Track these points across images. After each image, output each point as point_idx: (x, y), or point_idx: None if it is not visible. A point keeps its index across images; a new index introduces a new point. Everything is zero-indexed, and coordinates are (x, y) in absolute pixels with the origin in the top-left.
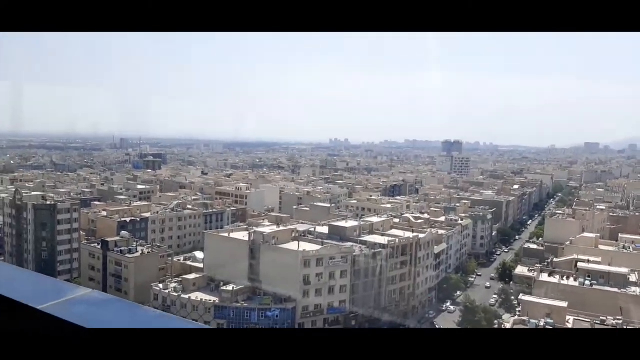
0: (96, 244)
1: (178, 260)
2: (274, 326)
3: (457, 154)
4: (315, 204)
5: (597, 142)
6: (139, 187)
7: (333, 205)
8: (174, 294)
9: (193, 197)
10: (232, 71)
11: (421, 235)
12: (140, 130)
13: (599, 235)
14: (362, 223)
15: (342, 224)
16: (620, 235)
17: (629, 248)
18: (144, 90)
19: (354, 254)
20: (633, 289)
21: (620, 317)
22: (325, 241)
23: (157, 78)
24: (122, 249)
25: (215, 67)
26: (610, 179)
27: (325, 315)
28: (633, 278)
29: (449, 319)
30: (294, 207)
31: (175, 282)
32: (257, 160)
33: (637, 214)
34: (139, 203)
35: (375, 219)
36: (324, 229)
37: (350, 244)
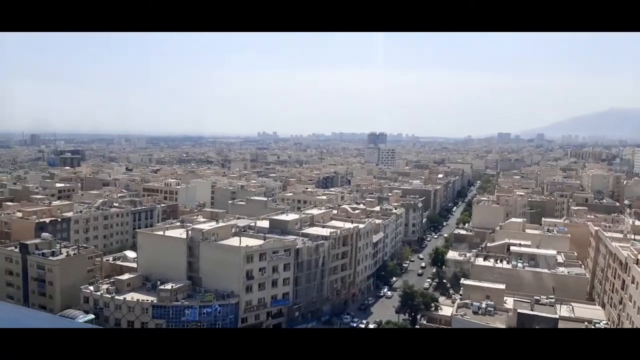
0: (13, 247)
1: (107, 260)
2: (216, 322)
3: (383, 145)
4: (251, 198)
5: (509, 132)
6: (58, 185)
7: (269, 198)
8: (107, 295)
9: (119, 195)
10: (153, 64)
11: (360, 226)
12: (53, 126)
13: (525, 219)
14: (302, 216)
15: (282, 217)
16: (543, 219)
17: (553, 231)
18: (57, 84)
19: (297, 246)
20: (561, 269)
21: (552, 296)
22: (267, 235)
23: (71, 71)
24: (44, 251)
25: (135, 61)
26: (523, 166)
27: (268, 308)
28: (560, 259)
29: (387, 304)
30: (229, 201)
31: (107, 284)
32: (184, 155)
33: (552, 198)
34: (58, 202)
35: (315, 211)
36: (265, 223)
37: (293, 237)
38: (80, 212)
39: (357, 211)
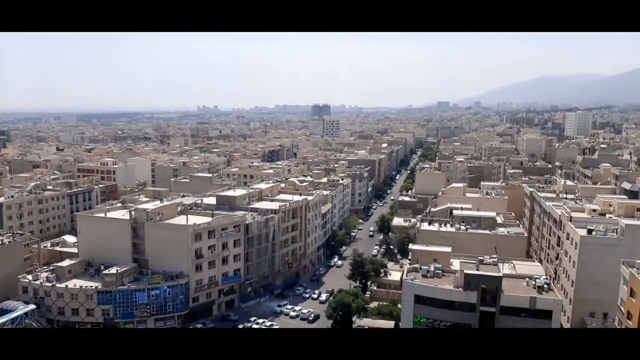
0: None
1: (45, 246)
2: (166, 304)
3: (327, 117)
4: (195, 174)
5: (448, 100)
6: None
7: (214, 174)
8: (47, 284)
9: (52, 177)
10: (83, 35)
11: (309, 198)
12: None
13: (465, 184)
14: (250, 190)
15: (230, 193)
16: (482, 183)
17: (491, 194)
18: None
19: (247, 222)
20: (501, 229)
21: (495, 255)
22: (215, 212)
23: None
24: None
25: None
26: (462, 133)
27: (220, 286)
28: (499, 220)
29: (338, 273)
30: (171, 179)
31: (47, 271)
32: (119, 132)
33: (490, 163)
34: None
35: (263, 185)
36: (211, 200)
37: (241, 212)
38: (12, 196)
39: (304, 183)
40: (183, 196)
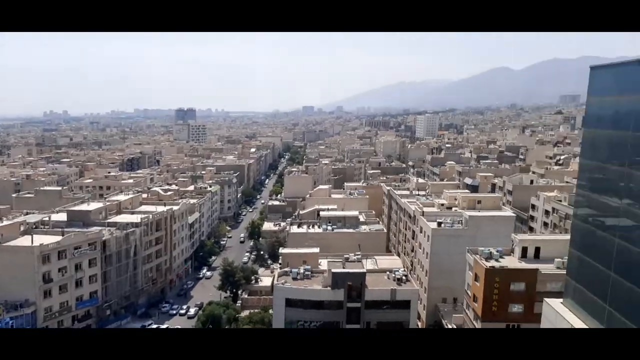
0: None
1: None
2: None
3: (193, 121)
4: (41, 188)
5: (312, 105)
6: None
7: (64, 187)
8: None
9: None
10: None
11: (174, 208)
12: None
13: (331, 186)
14: (107, 203)
15: (83, 207)
16: (345, 183)
17: (354, 194)
18: None
19: (103, 238)
20: (363, 227)
21: (359, 252)
22: (66, 230)
23: None
24: None
25: None
26: (326, 136)
27: (74, 311)
28: (362, 218)
29: (207, 284)
30: (13, 195)
31: None
32: None
33: (352, 164)
34: None
35: (121, 197)
36: (62, 216)
37: (98, 228)
38: None
39: (169, 193)
40: (27, 213)
